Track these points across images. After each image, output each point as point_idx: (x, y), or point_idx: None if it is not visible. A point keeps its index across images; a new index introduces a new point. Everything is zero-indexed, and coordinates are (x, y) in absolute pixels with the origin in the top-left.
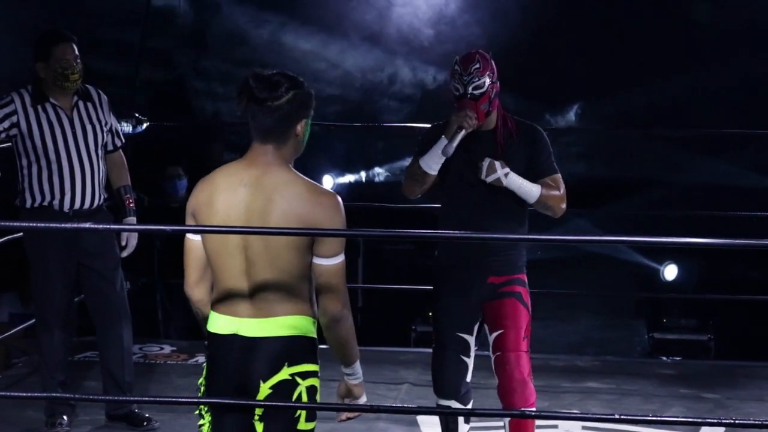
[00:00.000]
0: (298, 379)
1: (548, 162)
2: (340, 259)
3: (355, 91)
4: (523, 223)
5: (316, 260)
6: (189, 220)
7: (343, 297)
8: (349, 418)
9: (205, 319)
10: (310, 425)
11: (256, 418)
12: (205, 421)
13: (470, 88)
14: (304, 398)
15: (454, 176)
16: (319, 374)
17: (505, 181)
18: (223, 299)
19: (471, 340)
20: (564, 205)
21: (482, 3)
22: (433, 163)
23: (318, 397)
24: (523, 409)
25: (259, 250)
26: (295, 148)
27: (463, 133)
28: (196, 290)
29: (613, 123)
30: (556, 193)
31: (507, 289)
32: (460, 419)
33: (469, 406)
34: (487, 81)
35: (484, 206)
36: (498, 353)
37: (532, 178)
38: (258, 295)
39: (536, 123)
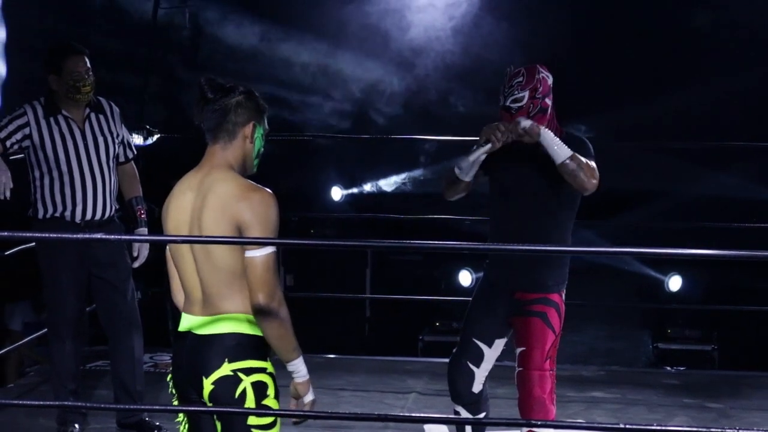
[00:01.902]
0: (241, 375)
1: (583, 154)
2: (268, 250)
3: (361, 103)
4: (561, 240)
5: (246, 253)
6: (163, 228)
7: (270, 290)
8: (296, 423)
9: None
10: (263, 420)
11: (215, 416)
12: (181, 417)
13: (509, 101)
14: (249, 394)
15: (497, 187)
16: (269, 371)
17: (537, 131)
18: (186, 299)
19: (487, 351)
20: (595, 181)
21: (490, 17)
22: (462, 163)
23: (270, 392)
24: (529, 420)
25: (198, 249)
26: (245, 152)
27: (489, 146)
28: (179, 296)
29: (619, 136)
30: (587, 165)
31: (533, 308)
32: (468, 428)
33: (481, 416)
34: (527, 96)
35: (525, 219)
36: (521, 369)
37: (562, 185)
38: (206, 293)
39: None
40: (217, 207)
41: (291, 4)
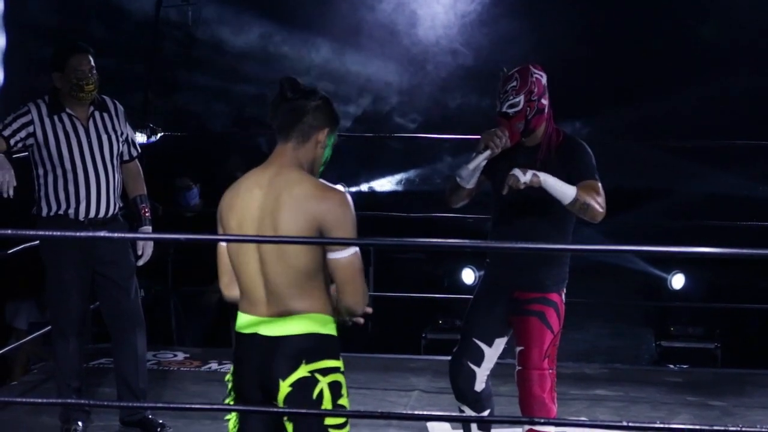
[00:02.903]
0: (318, 376)
1: (585, 170)
2: (352, 251)
3: (364, 101)
4: (565, 239)
5: (329, 255)
6: (218, 225)
7: (363, 292)
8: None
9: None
10: (338, 419)
11: (285, 417)
12: (232, 416)
13: (505, 106)
14: (326, 394)
15: (499, 190)
16: (342, 369)
17: (538, 180)
18: (245, 298)
19: (488, 351)
20: (602, 210)
21: (497, 16)
22: (463, 171)
23: (343, 391)
24: (531, 418)
25: (269, 248)
26: (315, 156)
27: (488, 153)
28: (229, 291)
29: (622, 134)
30: (594, 196)
31: (531, 308)
32: (473, 425)
33: (485, 414)
34: (522, 100)
35: (515, 222)
36: (520, 368)
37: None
38: (274, 293)
39: None
40: (294, 207)
41: (295, 2)
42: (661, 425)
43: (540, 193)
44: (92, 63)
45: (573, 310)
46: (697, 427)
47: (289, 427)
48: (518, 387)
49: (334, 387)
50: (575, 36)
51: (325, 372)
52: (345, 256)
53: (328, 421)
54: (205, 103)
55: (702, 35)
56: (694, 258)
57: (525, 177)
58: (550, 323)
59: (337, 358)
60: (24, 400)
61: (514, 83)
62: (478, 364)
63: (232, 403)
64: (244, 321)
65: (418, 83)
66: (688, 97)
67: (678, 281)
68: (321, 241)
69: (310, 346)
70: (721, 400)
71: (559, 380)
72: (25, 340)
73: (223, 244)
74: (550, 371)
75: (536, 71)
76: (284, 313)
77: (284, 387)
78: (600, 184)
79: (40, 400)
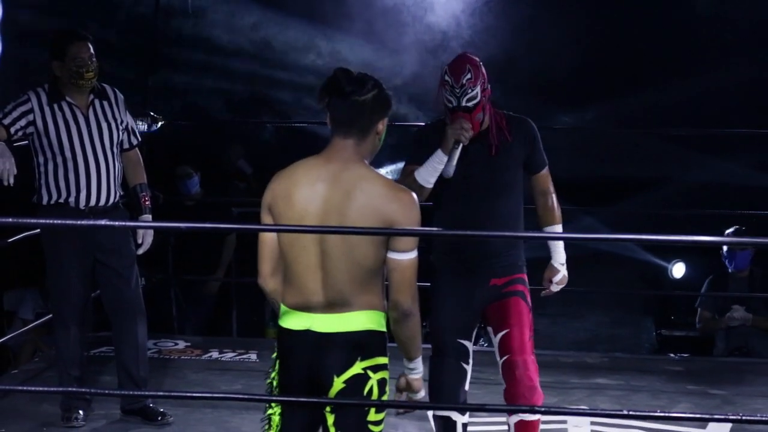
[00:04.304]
0: (370, 373)
1: (541, 156)
2: (415, 254)
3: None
4: (519, 221)
5: (391, 255)
6: (265, 213)
7: (414, 292)
8: (406, 412)
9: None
10: (380, 416)
11: (328, 408)
12: (275, 410)
13: (464, 101)
14: (375, 391)
15: (450, 178)
16: (388, 367)
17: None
18: (296, 293)
19: (470, 346)
20: (558, 203)
21: (496, 7)
22: (430, 177)
23: (388, 388)
24: (532, 406)
25: (336, 243)
26: (373, 146)
27: (460, 147)
28: (270, 282)
29: (621, 122)
30: (554, 202)
31: (510, 289)
32: (459, 426)
33: (466, 418)
34: (479, 90)
35: (479, 207)
36: (506, 356)
37: (528, 173)
38: (332, 288)
39: (550, 122)
40: (367, 204)
41: None
42: (662, 414)
43: (500, 174)
44: (92, 50)
45: (573, 298)
46: (698, 415)
47: (330, 418)
48: (505, 377)
49: (382, 384)
50: (576, 23)
51: (376, 369)
52: (408, 258)
53: (371, 416)
54: (207, 92)
55: (699, 22)
56: (695, 247)
57: (561, 285)
58: (528, 302)
59: (386, 355)
60: (25, 388)
61: (469, 75)
62: (467, 362)
63: (277, 408)
64: (293, 317)
65: (428, 73)
66: (689, 84)
67: (678, 270)
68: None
69: (366, 343)
70: (721, 388)
71: (559, 369)
72: (25, 328)
73: (270, 233)
74: (533, 354)
75: (476, 58)
76: (340, 309)
77: (338, 383)
78: (547, 168)
79: (41, 389)
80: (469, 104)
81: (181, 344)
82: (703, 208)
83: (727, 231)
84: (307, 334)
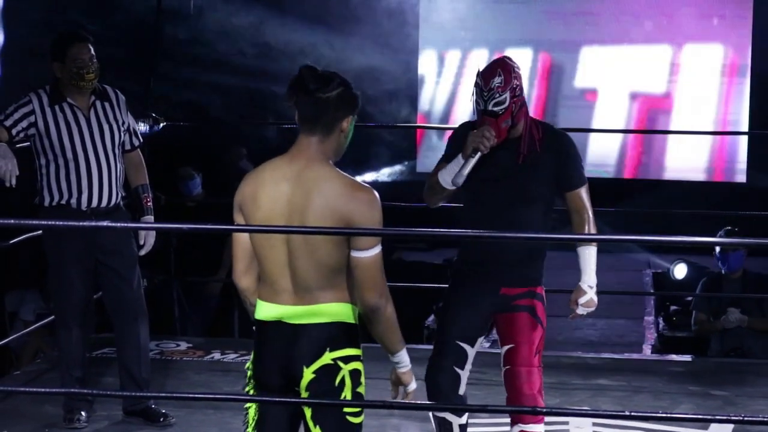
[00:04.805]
0: (341, 364)
1: (576, 174)
2: (377, 250)
3: (364, 90)
4: (547, 226)
5: (353, 253)
6: (236, 213)
7: (380, 287)
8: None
9: (253, 306)
10: (354, 408)
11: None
12: (252, 405)
13: (491, 105)
14: (347, 382)
15: (476, 181)
16: (361, 358)
17: (594, 296)
18: (268, 288)
19: (470, 351)
20: (592, 221)
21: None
22: (450, 178)
23: (362, 379)
24: (534, 407)
25: (299, 243)
26: (339, 145)
27: (478, 155)
28: (244, 279)
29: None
30: (590, 224)
31: (520, 303)
32: (456, 427)
33: (464, 419)
34: (508, 97)
35: (501, 213)
36: (508, 367)
37: (560, 189)
38: (300, 284)
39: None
40: (325, 205)
41: None
42: (664, 414)
43: (524, 184)
44: (92, 52)
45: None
46: (700, 416)
47: (308, 412)
48: (507, 386)
49: (355, 375)
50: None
51: (347, 360)
52: (369, 255)
53: (347, 408)
54: (208, 93)
55: None
56: (697, 247)
57: (588, 308)
58: (539, 318)
59: (358, 347)
60: (27, 389)
61: (499, 80)
62: (462, 367)
63: (252, 391)
64: (267, 309)
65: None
66: None
67: (680, 271)
68: (322, 231)
69: (335, 335)
70: (723, 389)
71: (561, 370)
72: (27, 330)
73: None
74: (539, 368)
75: (515, 65)
76: (310, 302)
77: (308, 374)
78: (585, 188)
79: (43, 390)
80: (496, 109)
81: (183, 345)
82: (706, 209)
83: (720, 232)
84: (279, 325)
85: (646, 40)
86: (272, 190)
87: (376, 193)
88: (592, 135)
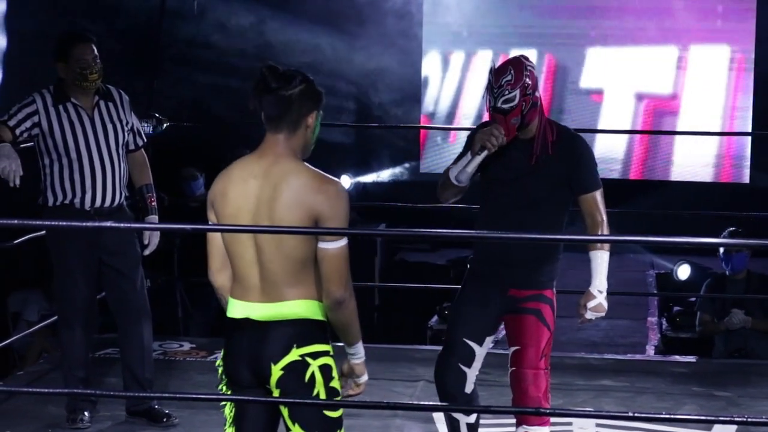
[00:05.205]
0: (309, 360)
1: (589, 178)
2: (343, 243)
3: (366, 90)
4: (559, 231)
5: (320, 245)
6: (209, 211)
7: (345, 281)
8: (350, 396)
9: (227, 304)
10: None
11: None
12: (228, 404)
13: (500, 102)
14: (318, 377)
15: (490, 180)
16: (331, 353)
17: (604, 301)
18: (238, 285)
19: (478, 350)
20: (604, 226)
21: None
22: (464, 177)
23: (334, 374)
24: (538, 408)
25: (266, 238)
26: (306, 141)
27: (485, 153)
28: (218, 277)
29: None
30: (603, 228)
31: (528, 305)
32: (463, 425)
33: (472, 419)
34: (518, 94)
35: (511, 214)
36: (514, 368)
37: (574, 193)
38: (267, 280)
39: None
40: (292, 198)
41: None
42: (667, 416)
43: (536, 186)
44: (96, 52)
45: (578, 299)
46: (703, 417)
47: (285, 411)
48: (512, 388)
49: (325, 370)
50: None
51: (315, 356)
52: (335, 246)
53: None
54: (212, 93)
55: None
56: (700, 248)
57: (598, 314)
58: (546, 321)
59: (326, 343)
60: (30, 389)
61: (509, 77)
62: (469, 365)
63: (224, 388)
64: (236, 306)
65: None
66: None
67: (684, 272)
68: (322, 231)
69: (301, 331)
70: (727, 390)
71: (564, 371)
72: (30, 330)
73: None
74: (546, 371)
75: (528, 63)
76: (276, 300)
77: (276, 371)
78: (599, 191)
79: (46, 390)
80: (504, 106)
81: (187, 346)
82: (709, 210)
83: (723, 233)
84: (246, 322)
85: (652, 41)
86: (241, 187)
87: (344, 186)
88: (599, 135)
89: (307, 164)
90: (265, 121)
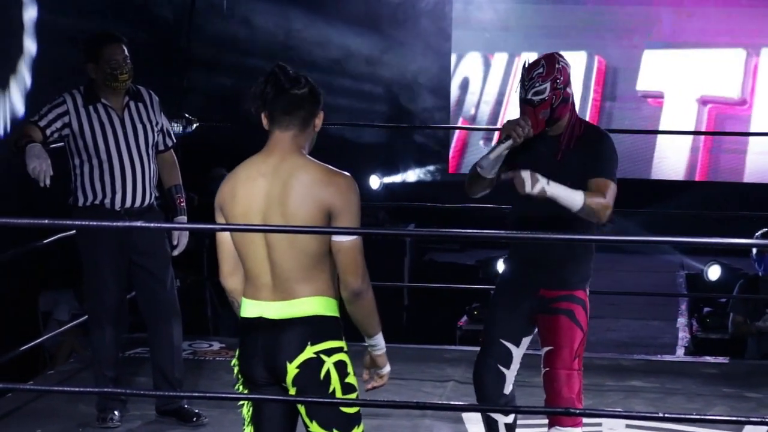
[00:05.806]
0: (323, 357)
1: (600, 166)
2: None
3: (398, 91)
4: (589, 230)
5: (334, 238)
6: (217, 213)
7: (362, 272)
8: (374, 387)
9: (240, 307)
10: (349, 397)
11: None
12: (245, 402)
13: (530, 94)
14: (333, 374)
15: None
16: (345, 349)
17: (544, 192)
18: (250, 285)
19: (515, 350)
20: (609, 212)
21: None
22: (485, 163)
23: (350, 369)
24: (568, 408)
25: (279, 235)
26: (311, 139)
27: (510, 143)
28: (230, 280)
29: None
30: (600, 200)
31: (559, 306)
32: (501, 426)
33: (510, 419)
34: (548, 87)
35: (540, 210)
36: (547, 369)
37: (585, 181)
38: (280, 278)
39: None
40: (303, 193)
41: None
42: (697, 416)
43: (563, 183)
44: (126, 52)
45: (609, 300)
46: (734, 418)
47: (302, 408)
48: (545, 389)
49: (340, 366)
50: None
51: (329, 352)
52: (350, 239)
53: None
54: (242, 93)
55: None
56: (731, 249)
57: (532, 189)
58: (579, 321)
59: (340, 339)
60: (61, 388)
61: (541, 70)
62: (507, 366)
63: (241, 387)
64: (249, 306)
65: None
66: None
67: (714, 272)
68: (332, 230)
69: (315, 329)
70: (757, 392)
71: (594, 371)
72: (60, 329)
73: (225, 233)
74: (579, 371)
75: (562, 59)
76: (289, 297)
77: (291, 369)
78: (611, 182)
79: (76, 389)
80: (534, 98)
81: (216, 345)
82: (738, 210)
83: (757, 234)
84: (260, 321)
85: (717, 44)
86: (249, 187)
87: (353, 179)
88: (659, 138)
89: (314, 159)
90: (274, 119)
